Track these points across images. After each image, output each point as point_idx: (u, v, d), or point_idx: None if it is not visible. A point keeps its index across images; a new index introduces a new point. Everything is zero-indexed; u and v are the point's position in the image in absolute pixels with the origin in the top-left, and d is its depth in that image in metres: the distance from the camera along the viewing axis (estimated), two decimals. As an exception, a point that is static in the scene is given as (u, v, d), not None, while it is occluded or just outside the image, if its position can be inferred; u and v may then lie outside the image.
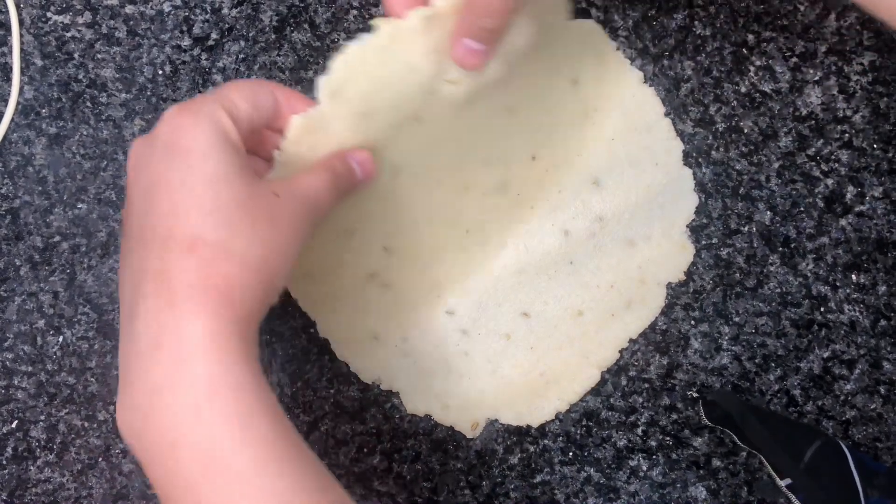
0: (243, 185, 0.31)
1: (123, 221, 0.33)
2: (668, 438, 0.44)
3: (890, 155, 0.45)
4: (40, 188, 0.45)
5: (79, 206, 0.45)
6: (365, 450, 0.44)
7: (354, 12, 0.46)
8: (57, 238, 0.45)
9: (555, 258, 0.44)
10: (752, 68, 0.45)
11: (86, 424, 0.44)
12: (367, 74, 0.35)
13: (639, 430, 0.44)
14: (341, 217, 0.39)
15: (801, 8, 0.46)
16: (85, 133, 0.46)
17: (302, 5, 0.46)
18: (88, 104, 0.46)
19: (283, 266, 0.32)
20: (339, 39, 0.46)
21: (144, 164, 0.32)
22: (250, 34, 0.46)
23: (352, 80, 0.35)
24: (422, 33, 0.35)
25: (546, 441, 0.44)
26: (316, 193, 0.34)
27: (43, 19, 0.46)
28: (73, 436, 0.44)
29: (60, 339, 0.45)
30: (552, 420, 0.44)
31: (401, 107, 0.37)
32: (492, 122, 0.41)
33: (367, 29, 0.35)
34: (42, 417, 0.44)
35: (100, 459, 0.44)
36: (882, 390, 0.44)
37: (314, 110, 0.35)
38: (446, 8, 0.34)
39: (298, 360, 0.44)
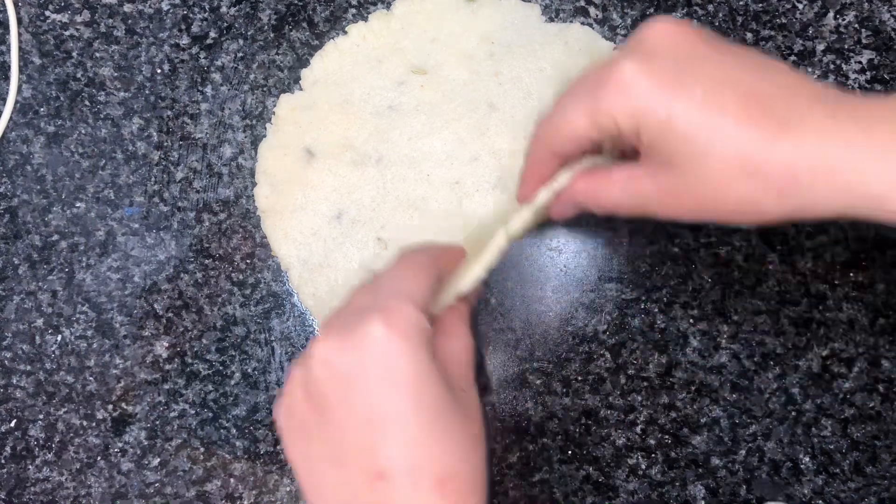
0: (454, 406, 0.31)
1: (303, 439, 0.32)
2: (666, 437, 0.44)
3: (888, 153, 0.45)
4: (39, 187, 0.45)
5: (77, 204, 0.45)
6: (364, 448, 0.44)
7: (353, 10, 0.46)
8: (55, 237, 0.45)
9: (553, 256, 0.44)
10: (750, 67, 0.45)
11: (84, 423, 0.44)
12: (340, 67, 0.45)
13: (637, 429, 0.44)
14: (331, 200, 0.44)
15: (800, 6, 0.46)
16: (83, 132, 0.46)
17: (300, 4, 0.46)
18: (87, 103, 0.46)
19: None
20: (337, 38, 0.46)
21: (346, 385, 0.30)
22: (249, 33, 0.46)
23: (328, 71, 0.45)
24: (387, 35, 0.45)
25: (545, 439, 0.44)
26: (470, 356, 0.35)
27: (41, 18, 0.46)
28: (71, 435, 0.44)
29: (59, 337, 0.45)
30: (551, 419, 0.44)
31: (375, 95, 0.45)
32: (474, 118, 0.44)
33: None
34: (41, 416, 0.44)
35: (98, 458, 0.44)
36: (881, 388, 0.44)
37: (300, 93, 0.45)
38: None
39: (297, 359, 0.44)
